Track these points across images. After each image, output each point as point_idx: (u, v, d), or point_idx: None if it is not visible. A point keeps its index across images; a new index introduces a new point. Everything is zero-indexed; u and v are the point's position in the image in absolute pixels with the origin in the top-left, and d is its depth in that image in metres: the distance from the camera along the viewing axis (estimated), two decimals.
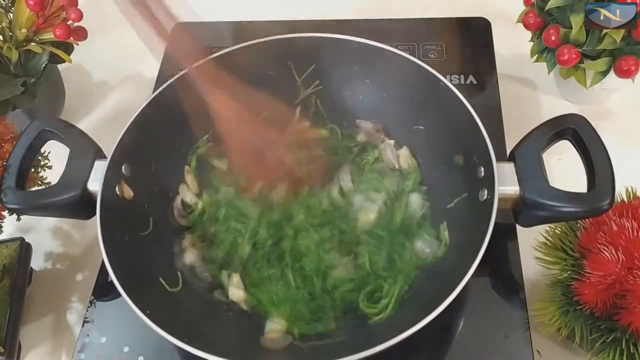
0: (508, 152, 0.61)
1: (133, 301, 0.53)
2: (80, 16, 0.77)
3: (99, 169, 0.61)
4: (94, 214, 0.59)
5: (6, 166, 0.61)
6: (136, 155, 0.64)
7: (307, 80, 0.74)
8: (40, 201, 0.61)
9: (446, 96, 0.63)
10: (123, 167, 0.63)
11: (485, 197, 0.58)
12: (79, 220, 0.64)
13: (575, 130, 0.57)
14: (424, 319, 0.49)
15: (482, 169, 0.59)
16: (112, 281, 0.54)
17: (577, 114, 0.59)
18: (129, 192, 0.63)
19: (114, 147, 0.62)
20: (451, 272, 0.54)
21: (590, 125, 0.57)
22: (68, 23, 0.76)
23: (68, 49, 0.80)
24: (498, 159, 0.57)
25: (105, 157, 0.62)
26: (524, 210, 0.57)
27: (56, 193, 0.61)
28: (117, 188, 0.62)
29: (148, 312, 0.52)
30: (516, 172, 0.57)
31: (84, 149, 0.63)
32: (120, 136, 0.63)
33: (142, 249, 0.61)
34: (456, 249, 0.61)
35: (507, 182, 0.57)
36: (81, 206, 0.61)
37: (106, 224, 0.58)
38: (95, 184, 0.60)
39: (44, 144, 0.65)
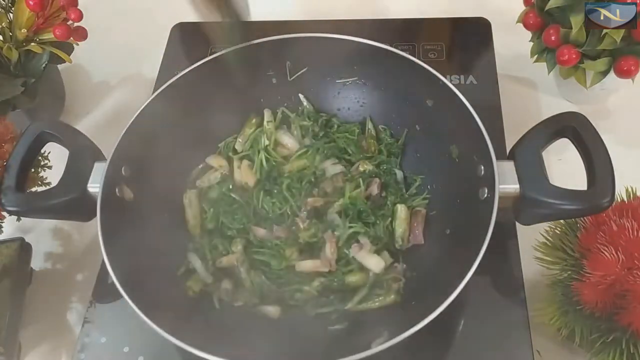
0: (508, 151, 0.61)
1: (134, 302, 0.53)
2: (80, 16, 0.76)
3: (99, 170, 0.61)
4: (94, 215, 0.59)
5: (6, 167, 0.61)
6: (136, 157, 0.64)
7: (304, 80, 0.74)
8: (39, 203, 0.61)
9: (446, 96, 0.63)
10: (123, 169, 0.63)
11: (485, 195, 0.58)
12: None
13: (574, 128, 0.57)
14: (425, 319, 0.50)
15: (482, 168, 0.59)
16: (112, 282, 0.54)
17: (575, 112, 0.59)
18: (129, 194, 0.63)
19: (113, 149, 0.62)
20: (451, 272, 0.54)
21: (589, 122, 0.57)
22: (68, 23, 0.76)
23: (68, 49, 0.80)
24: (498, 158, 0.57)
25: (105, 159, 0.62)
26: (524, 208, 0.57)
27: (56, 195, 0.61)
28: (117, 189, 0.62)
29: (149, 312, 0.52)
30: (516, 170, 0.57)
31: (83, 151, 0.63)
32: (120, 137, 0.63)
33: (143, 250, 0.61)
34: (457, 248, 0.61)
35: (507, 181, 0.57)
36: (81, 208, 0.61)
37: (106, 226, 0.58)
38: (95, 186, 0.60)
39: (43, 146, 0.65)
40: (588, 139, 0.56)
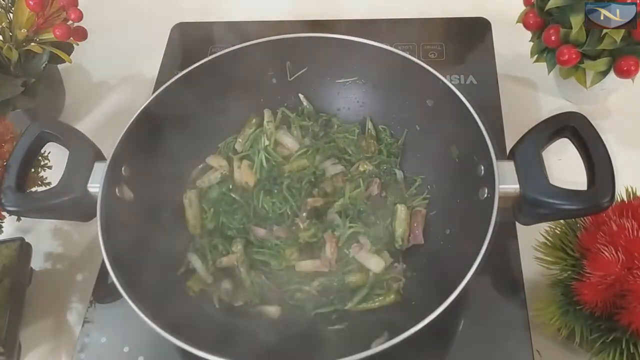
0: (508, 151, 0.61)
1: (134, 302, 0.52)
2: (80, 16, 0.76)
3: (99, 170, 0.61)
4: (94, 215, 0.59)
5: (6, 167, 0.61)
6: (136, 157, 0.64)
7: (304, 80, 0.74)
8: (40, 204, 0.61)
9: (446, 96, 0.63)
10: (123, 169, 0.63)
11: (485, 195, 0.58)
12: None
13: (574, 128, 0.57)
14: (425, 319, 0.50)
15: (482, 168, 0.59)
16: (112, 282, 0.54)
17: (575, 112, 0.59)
18: (129, 194, 0.63)
19: (113, 149, 0.62)
20: (451, 272, 0.54)
21: (589, 122, 0.57)
22: (68, 23, 0.76)
23: (68, 49, 0.80)
24: (498, 158, 0.57)
25: (105, 159, 0.62)
26: (524, 208, 0.57)
27: (56, 195, 0.60)
28: (117, 189, 0.62)
29: (149, 312, 0.52)
30: (516, 170, 0.57)
31: (83, 151, 0.63)
32: (120, 137, 0.63)
33: (143, 250, 0.61)
34: (457, 248, 0.61)
35: (507, 181, 0.56)
36: (81, 208, 0.61)
37: (107, 226, 0.58)
38: (95, 186, 0.60)
39: (43, 146, 0.65)
40: (588, 139, 0.56)
